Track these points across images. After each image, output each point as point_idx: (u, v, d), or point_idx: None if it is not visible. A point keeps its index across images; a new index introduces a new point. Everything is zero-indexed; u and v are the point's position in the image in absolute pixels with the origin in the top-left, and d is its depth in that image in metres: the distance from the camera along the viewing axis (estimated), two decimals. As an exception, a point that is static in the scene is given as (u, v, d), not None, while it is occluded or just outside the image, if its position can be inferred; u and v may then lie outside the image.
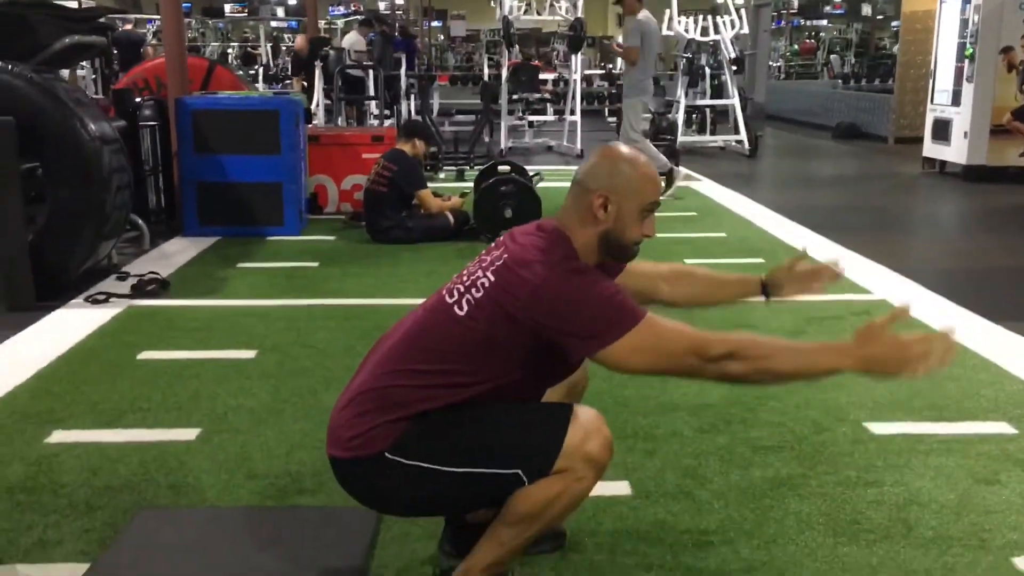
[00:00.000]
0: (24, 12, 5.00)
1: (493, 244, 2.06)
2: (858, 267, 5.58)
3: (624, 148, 2.03)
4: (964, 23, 9.29)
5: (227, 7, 27.09)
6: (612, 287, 1.88)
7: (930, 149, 9.91)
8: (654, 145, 10.81)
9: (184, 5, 6.81)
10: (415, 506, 2.01)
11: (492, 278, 1.90)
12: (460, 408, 1.90)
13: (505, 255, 1.94)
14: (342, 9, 27.97)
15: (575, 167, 10.25)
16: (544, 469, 1.85)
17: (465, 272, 2.00)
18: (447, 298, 1.95)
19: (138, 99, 6.50)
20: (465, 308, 1.89)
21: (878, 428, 3.15)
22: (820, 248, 6.10)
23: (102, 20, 5.81)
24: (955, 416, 3.27)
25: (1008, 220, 7.56)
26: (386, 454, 1.87)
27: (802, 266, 2.39)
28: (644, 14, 8.15)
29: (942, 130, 9.60)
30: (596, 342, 1.81)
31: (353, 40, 12.64)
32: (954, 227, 7.58)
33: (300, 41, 13.35)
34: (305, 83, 12.14)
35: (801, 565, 2.29)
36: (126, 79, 7.72)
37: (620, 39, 8.32)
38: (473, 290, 1.91)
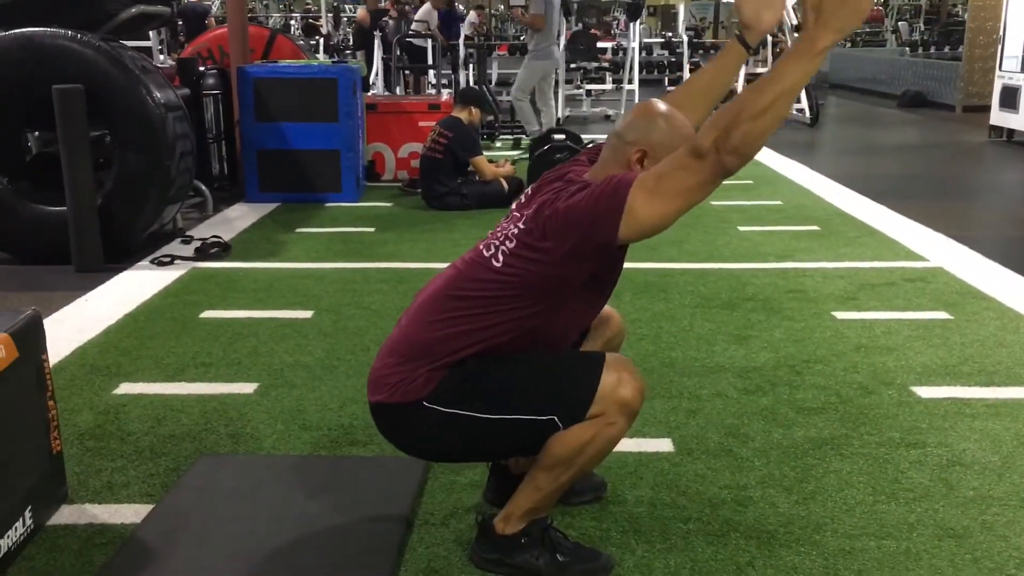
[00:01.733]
0: (91, -17, 5.15)
1: (522, 198, 2.10)
2: (915, 234, 5.51)
3: (662, 105, 2.04)
4: (1037, -14, 8.99)
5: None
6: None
7: (997, 117, 9.65)
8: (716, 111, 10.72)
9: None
10: (452, 452, 2.08)
11: (523, 223, 1.95)
12: (496, 357, 1.96)
13: (535, 200, 2.00)
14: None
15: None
16: (578, 414, 1.91)
17: (500, 227, 2.05)
18: (484, 252, 2.00)
19: (201, 68, 6.65)
20: (501, 259, 1.95)
21: (925, 392, 3.14)
22: (876, 214, 6.03)
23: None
24: (1005, 381, 3.25)
25: (1077, 189, 7.36)
26: (424, 402, 1.94)
27: None
28: None
29: (1010, 97, 9.33)
30: (615, 215, 1.80)
31: (426, 11, 12.71)
32: (1019, 195, 7.39)
33: (362, 12, 13.45)
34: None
35: (838, 520, 2.33)
36: (190, 48, 7.89)
37: (526, 5, 8.49)
38: (508, 242, 1.96)
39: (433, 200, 6.38)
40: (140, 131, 4.83)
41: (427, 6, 12.72)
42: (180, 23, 12.89)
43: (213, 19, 13.80)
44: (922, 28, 22.83)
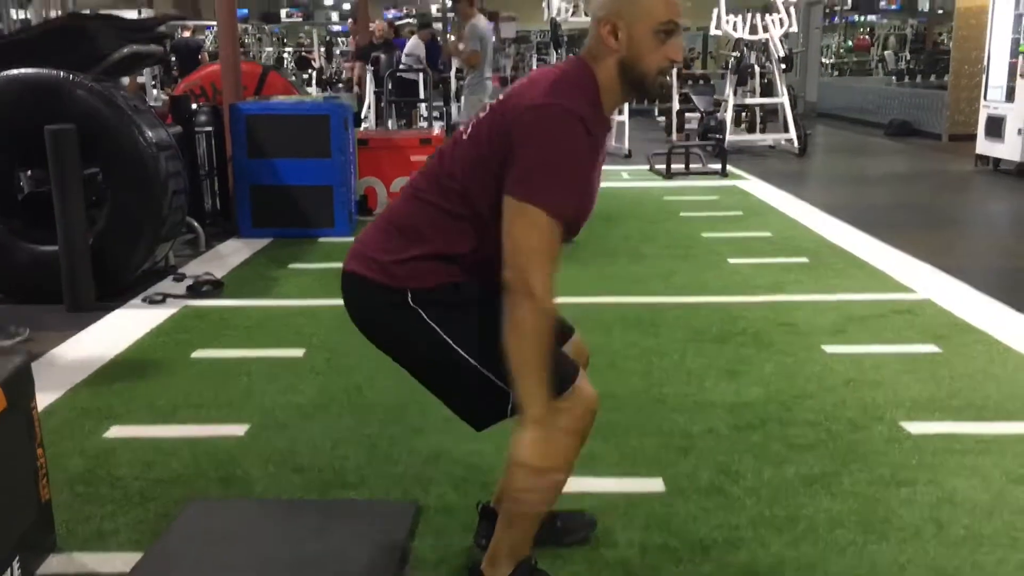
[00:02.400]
0: (85, 24, 5.20)
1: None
2: (904, 265, 5.55)
3: None
4: (1018, 18, 9.12)
5: (283, 12, 27.60)
6: (575, 165, 1.81)
7: (983, 146, 9.75)
8: (703, 143, 10.81)
9: (241, 11, 7.02)
10: (412, 362, 2.03)
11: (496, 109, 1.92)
12: (493, 303, 1.86)
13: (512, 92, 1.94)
14: (394, 12, 28.28)
15: (623, 167, 10.30)
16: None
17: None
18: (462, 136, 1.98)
19: (194, 105, 6.69)
20: (470, 130, 1.93)
21: (915, 427, 3.15)
22: (865, 245, 6.07)
23: (160, 30, 5.98)
24: (994, 416, 3.26)
25: (1064, 218, 7.42)
26: (410, 301, 1.92)
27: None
28: (478, 17, 8.37)
29: (995, 127, 9.43)
30: (521, 188, 1.77)
31: (414, 45, 12.81)
32: (1006, 225, 7.45)
33: (380, 25, 13.52)
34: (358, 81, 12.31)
35: (829, 562, 2.33)
36: (183, 85, 7.95)
37: (460, 43, 8.67)
38: (479, 124, 1.93)
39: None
40: (132, 170, 4.85)
41: (415, 39, 12.84)
42: (173, 59, 12.99)
43: (206, 54, 13.90)
44: (908, 57, 23.06)
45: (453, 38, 9.93)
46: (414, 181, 2.00)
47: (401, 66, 11.59)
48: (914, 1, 28.59)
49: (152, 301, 4.91)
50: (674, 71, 13.40)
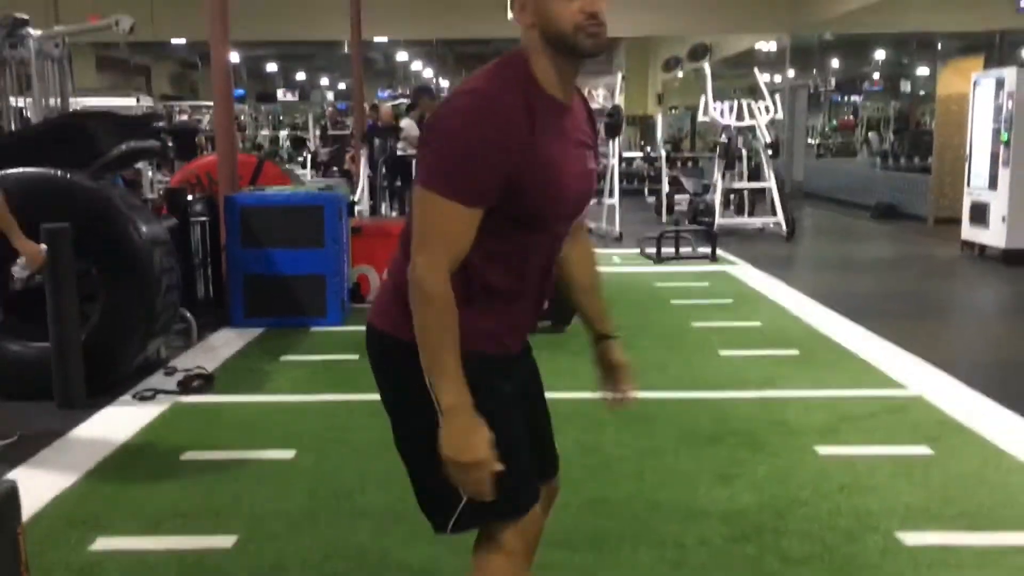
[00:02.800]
0: (84, 122, 5.29)
1: None
2: (894, 359, 5.57)
3: None
4: (998, 108, 9.34)
5: (279, 92, 28.08)
6: (482, 145, 1.69)
7: (968, 232, 9.89)
8: (693, 228, 10.92)
9: (238, 92, 7.16)
10: (396, 425, 1.93)
11: None
12: (489, 389, 1.79)
13: None
14: (389, 92, 28.85)
15: (614, 250, 10.39)
16: (494, 509, 1.79)
17: None
18: None
19: (190, 197, 6.76)
20: None
21: (910, 538, 3.14)
22: (854, 337, 6.10)
23: (158, 124, 6.08)
24: (988, 525, 3.25)
25: (1050, 306, 7.49)
26: (409, 352, 1.78)
27: (616, 372, 2.20)
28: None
29: (980, 213, 9.59)
30: (420, 172, 1.75)
31: (409, 124, 12.99)
32: (994, 315, 7.52)
33: (387, 110, 13.71)
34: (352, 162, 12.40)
35: None
36: (179, 175, 8.07)
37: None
38: None
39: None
40: (127, 267, 4.89)
41: (409, 120, 13.06)
42: (170, 142, 13.14)
43: (203, 136, 14.10)
44: (891, 139, 23.52)
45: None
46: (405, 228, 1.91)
47: (398, 147, 11.73)
48: (896, 83, 29.35)
49: (142, 397, 4.89)
50: (663, 154, 13.57)
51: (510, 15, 1.81)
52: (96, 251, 4.87)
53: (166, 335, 5.52)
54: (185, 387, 5.05)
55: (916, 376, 5.20)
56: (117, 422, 4.50)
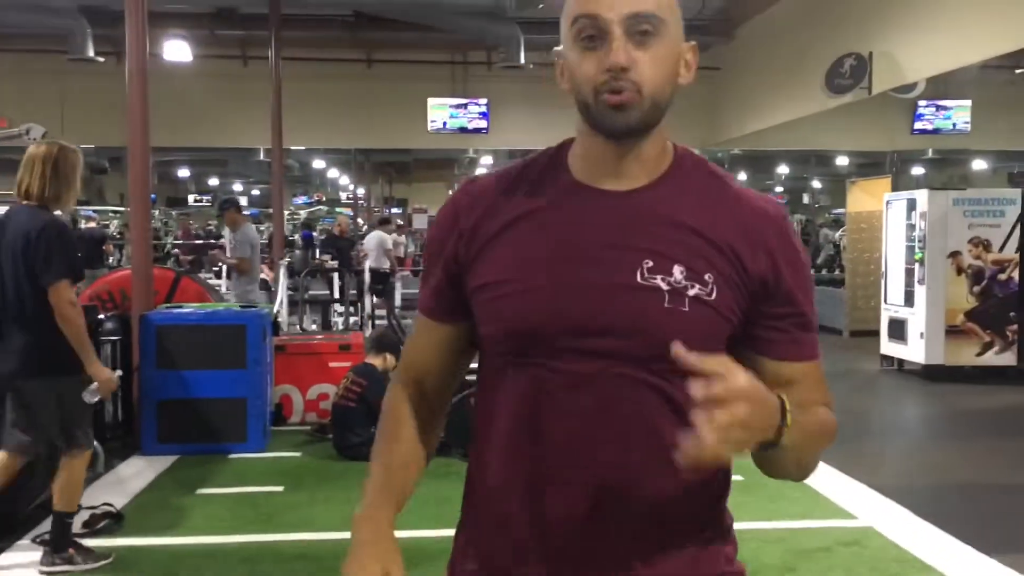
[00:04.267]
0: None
1: None
2: (838, 485, 5.48)
3: None
4: (911, 227, 9.67)
5: (191, 198, 27.61)
6: (428, 244, 1.42)
7: (888, 347, 10.09)
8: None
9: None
10: None
11: None
12: None
13: None
14: (304, 199, 28.71)
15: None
16: None
17: None
18: None
19: (101, 316, 6.37)
20: None
21: None
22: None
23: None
24: None
25: (974, 426, 7.60)
26: None
27: None
28: (248, 225, 8.66)
29: (898, 329, 9.80)
30: None
31: (380, 239, 12.91)
32: (927, 435, 7.59)
33: (344, 221, 13.54)
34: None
35: None
36: (90, 291, 7.66)
37: (227, 252, 8.87)
38: None
39: (347, 450, 6.08)
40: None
41: (376, 233, 12.97)
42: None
43: (111, 244, 13.60)
44: (799, 250, 24.32)
45: (225, 240, 9.58)
46: None
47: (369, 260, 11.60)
48: (798, 195, 30.63)
49: (43, 542, 4.40)
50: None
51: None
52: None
53: (72, 470, 5.06)
54: (91, 527, 4.61)
55: (864, 505, 5.11)
56: (13, 573, 4.03)
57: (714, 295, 1.24)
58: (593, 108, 1.23)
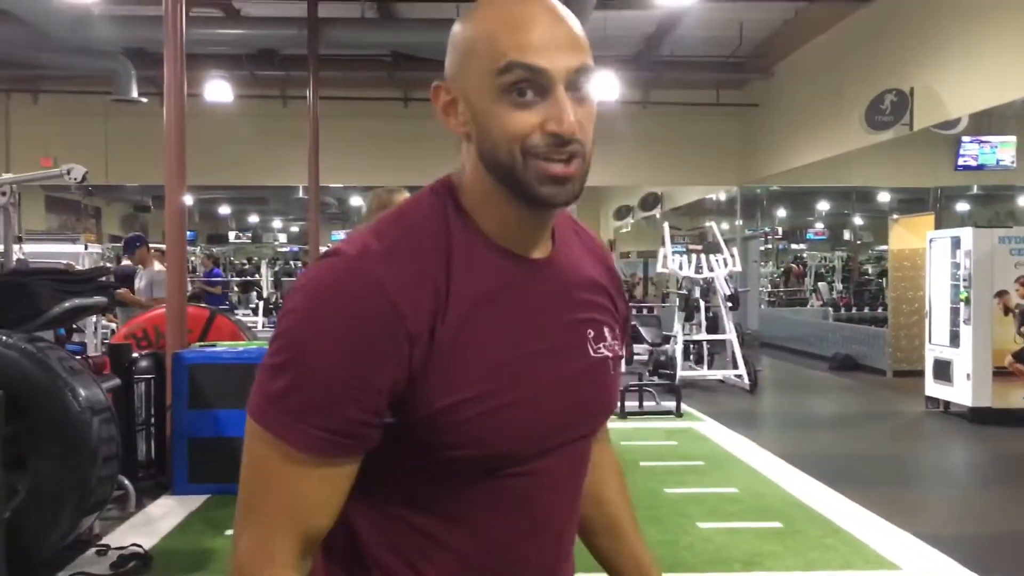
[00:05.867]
0: (25, 280, 4.97)
1: None
2: (880, 533, 5.29)
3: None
4: (955, 265, 9.45)
5: (231, 235, 27.94)
6: (336, 352, 0.98)
7: (933, 388, 9.81)
8: (657, 383, 10.71)
9: (190, 234, 6.94)
10: None
11: None
12: None
13: None
14: (343, 234, 28.94)
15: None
16: None
17: None
18: None
19: (135, 354, 6.40)
20: None
21: None
22: (836, 507, 5.81)
23: (105, 279, 5.78)
24: None
25: (1024, 470, 7.34)
26: None
27: None
28: (156, 264, 8.56)
29: (943, 370, 9.54)
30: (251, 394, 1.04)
31: None
32: (974, 481, 7.32)
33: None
34: None
35: None
36: (125, 329, 7.72)
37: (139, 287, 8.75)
38: None
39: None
40: (61, 437, 4.47)
41: None
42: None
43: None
44: (840, 288, 24.01)
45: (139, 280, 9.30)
46: None
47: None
48: (838, 232, 30.26)
49: (70, 584, 4.40)
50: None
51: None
52: (29, 420, 4.46)
53: (100, 511, 5.04)
54: (118, 569, 4.57)
55: (908, 554, 4.92)
56: (38, 617, 4.00)
57: (619, 347, 1.21)
58: (520, 175, 1.03)
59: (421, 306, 1.01)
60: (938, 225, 11.60)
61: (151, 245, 9.87)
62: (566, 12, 1.06)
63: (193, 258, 13.33)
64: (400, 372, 1.01)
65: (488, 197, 1.08)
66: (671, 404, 9.61)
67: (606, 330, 1.18)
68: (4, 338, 4.48)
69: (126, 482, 5.80)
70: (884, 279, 20.02)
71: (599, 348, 1.17)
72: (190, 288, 11.19)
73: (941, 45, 9.91)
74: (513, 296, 1.08)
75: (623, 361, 1.25)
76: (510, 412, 1.06)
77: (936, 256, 9.90)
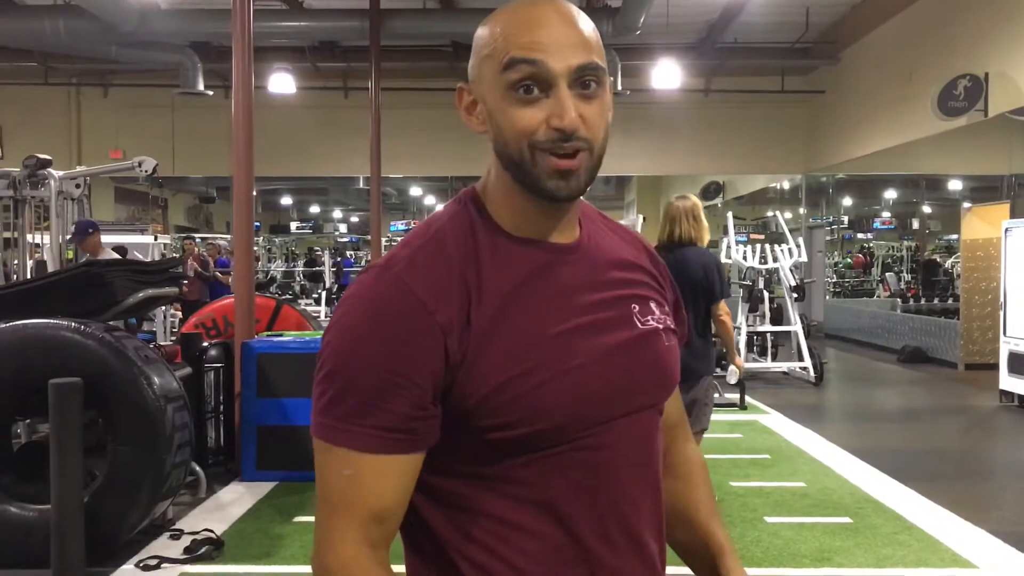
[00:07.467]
0: (101, 271, 5.09)
1: None
2: (955, 530, 5.16)
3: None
4: (1032, 256, 9.16)
5: (293, 225, 28.34)
6: (376, 354, 1.05)
7: (1007, 382, 9.53)
8: (717, 371, 10.58)
9: (254, 224, 7.04)
10: None
11: None
12: None
13: None
14: (402, 225, 29.13)
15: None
16: None
17: None
18: None
19: (204, 343, 6.52)
20: None
21: None
22: (907, 502, 5.68)
23: (176, 269, 5.90)
24: None
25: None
26: None
27: None
28: (108, 250, 8.39)
29: (1019, 364, 9.26)
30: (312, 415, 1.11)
31: None
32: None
33: None
34: None
35: None
36: (194, 319, 7.88)
37: None
38: None
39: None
40: (137, 424, 4.58)
41: None
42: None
43: (217, 273, 14.00)
44: (908, 278, 23.42)
45: None
46: None
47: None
48: (905, 221, 29.55)
49: (146, 567, 4.50)
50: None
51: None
52: (105, 406, 4.59)
53: (174, 497, 5.16)
54: (192, 553, 4.67)
55: (984, 552, 4.79)
56: (116, 599, 4.11)
57: (671, 321, 1.25)
58: (529, 169, 1.08)
59: (450, 298, 1.07)
60: (1014, 214, 11.23)
61: (204, 236, 10.03)
62: (578, 14, 1.10)
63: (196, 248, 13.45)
64: (437, 362, 1.06)
65: (509, 193, 1.13)
66: (735, 396, 9.50)
67: (652, 304, 1.22)
68: (83, 327, 4.60)
69: (197, 468, 5.93)
70: (955, 270, 19.49)
71: (647, 320, 1.20)
72: (191, 273, 11.20)
73: (1017, 29, 9.58)
74: (547, 278, 1.13)
75: (679, 337, 1.28)
76: (559, 382, 1.09)
77: (1012, 246, 9.60)
